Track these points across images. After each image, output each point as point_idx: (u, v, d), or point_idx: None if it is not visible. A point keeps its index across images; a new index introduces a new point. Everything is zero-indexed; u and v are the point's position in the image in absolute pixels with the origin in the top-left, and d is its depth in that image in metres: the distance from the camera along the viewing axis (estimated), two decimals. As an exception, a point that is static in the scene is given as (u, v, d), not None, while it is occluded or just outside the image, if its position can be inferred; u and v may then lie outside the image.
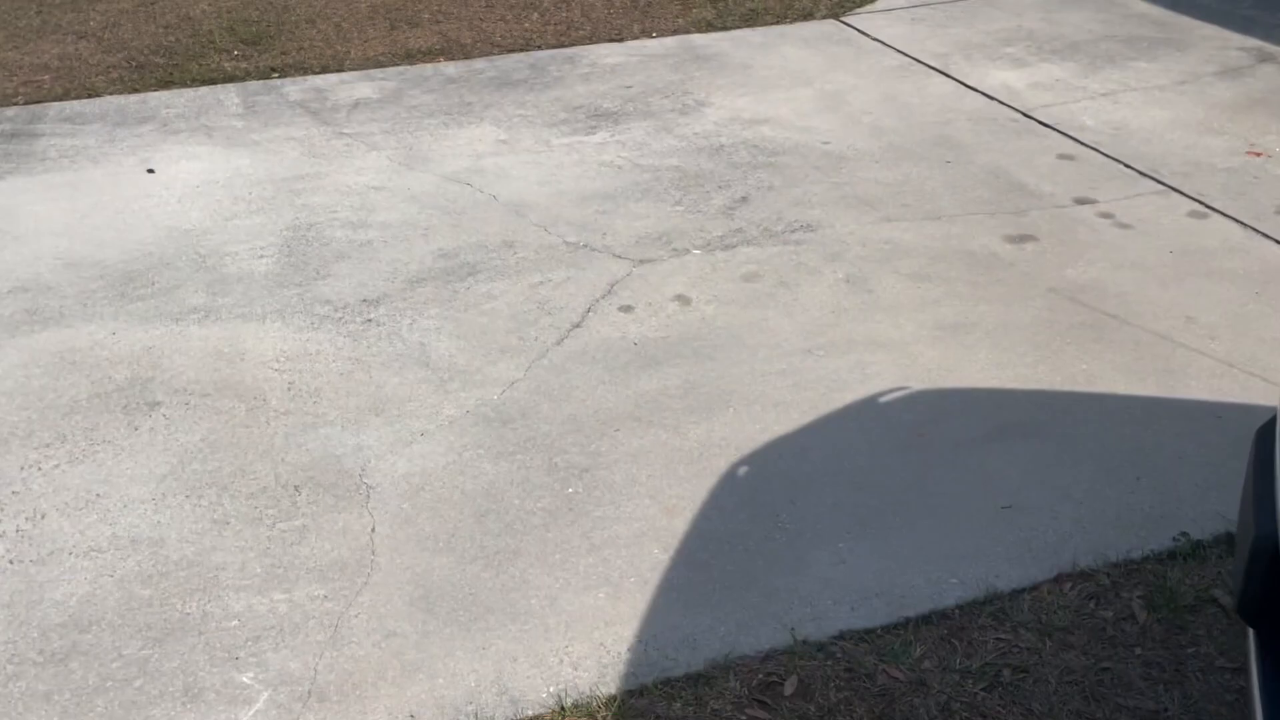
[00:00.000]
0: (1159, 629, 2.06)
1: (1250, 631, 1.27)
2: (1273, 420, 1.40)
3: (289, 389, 2.84)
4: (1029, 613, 2.11)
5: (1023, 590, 2.16)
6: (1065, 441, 2.58)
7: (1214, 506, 2.35)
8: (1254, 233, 3.45)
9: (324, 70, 4.98)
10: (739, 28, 5.45)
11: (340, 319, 3.13)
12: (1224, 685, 1.94)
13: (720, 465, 2.53)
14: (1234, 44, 5.06)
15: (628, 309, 3.15)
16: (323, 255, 3.47)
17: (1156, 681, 1.95)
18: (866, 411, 2.70)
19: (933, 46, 5.12)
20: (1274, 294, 3.12)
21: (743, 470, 2.52)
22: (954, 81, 4.71)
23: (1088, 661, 2.00)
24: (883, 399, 2.74)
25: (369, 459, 2.58)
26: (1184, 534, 2.28)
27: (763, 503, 2.42)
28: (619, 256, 3.43)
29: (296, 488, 2.50)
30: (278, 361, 2.95)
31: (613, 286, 3.27)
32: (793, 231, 3.53)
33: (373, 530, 2.37)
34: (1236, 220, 3.52)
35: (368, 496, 2.47)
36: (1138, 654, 2.01)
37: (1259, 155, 3.97)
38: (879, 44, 5.18)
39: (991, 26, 5.37)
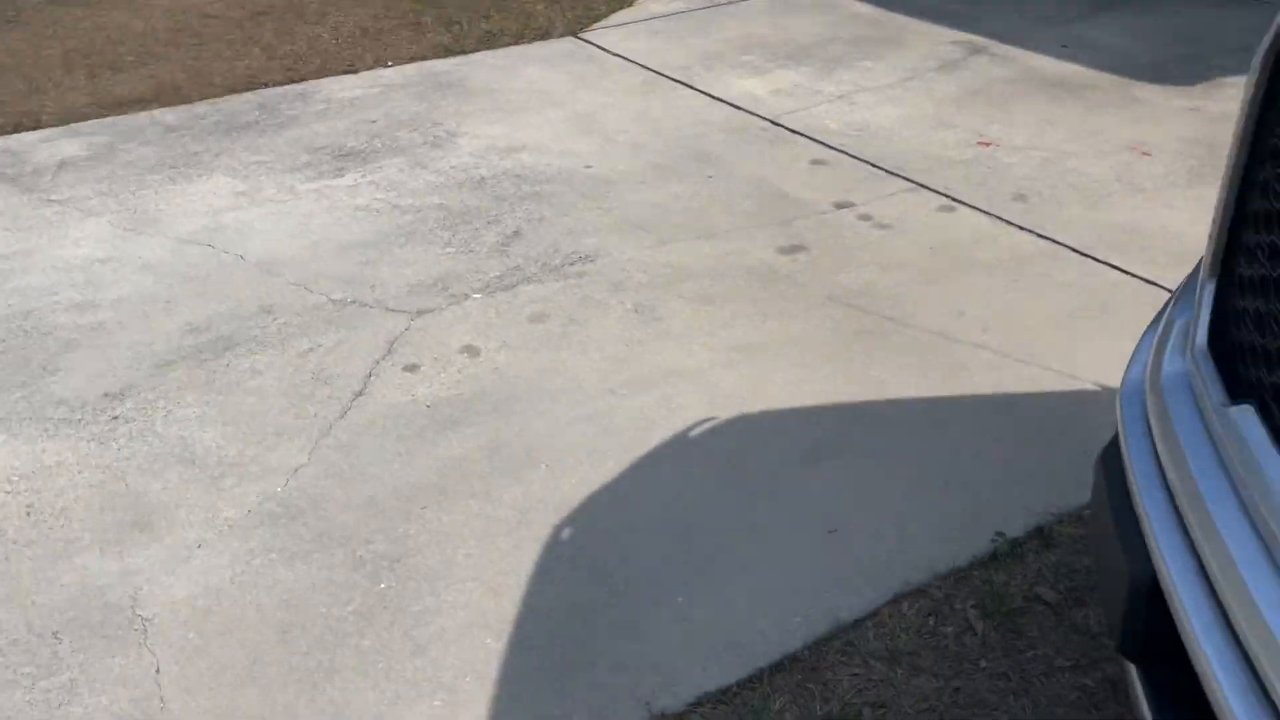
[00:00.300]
0: (996, 637, 2.10)
1: (1132, 668, 1.28)
2: (1115, 443, 1.42)
3: (28, 513, 2.44)
4: (875, 641, 2.10)
5: (865, 618, 2.15)
6: (872, 454, 2.61)
7: (1020, 501, 2.43)
8: (999, 221, 3.66)
9: (16, 129, 4.40)
10: (478, 51, 5.29)
11: (80, 420, 2.74)
12: (1067, 684, 2.00)
13: (542, 530, 2.39)
14: (946, 38, 5.40)
15: (413, 368, 2.94)
16: (47, 346, 3.03)
17: (1006, 693, 1.99)
18: (680, 449, 2.63)
19: (674, 59, 5.16)
20: (1028, 280, 3.31)
21: (566, 532, 2.38)
22: (700, 93, 4.76)
23: (939, 684, 2.01)
24: (693, 433, 2.68)
25: (140, 586, 2.25)
26: (1000, 534, 2.35)
27: (593, 565, 2.29)
28: (393, 310, 3.20)
29: (55, 634, 2.14)
30: (9, 482, 2.54)
31: (392, 344, 3.04)
32: (572, 264, 3.42)
33: (157, 671, 2.06)
34: (982, 211, 3.73)
35: (145, 632, 2.15)
36: (983, 667, 2.04)
37: (988, 145, 4.23)
38: (622, 60, 5.16)
39: (726, 35, 5.48)
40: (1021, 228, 3.61)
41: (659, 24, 5.63)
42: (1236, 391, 1.23)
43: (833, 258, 3.45)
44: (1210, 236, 1.29)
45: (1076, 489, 2.44)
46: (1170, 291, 3.21)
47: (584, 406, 2.78)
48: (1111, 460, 1.40)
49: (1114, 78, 4.84)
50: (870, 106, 4.60)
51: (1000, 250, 3.49)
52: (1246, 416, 1.16)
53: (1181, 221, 3.60)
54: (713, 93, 4.75)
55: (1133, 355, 1.49)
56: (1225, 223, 1.25)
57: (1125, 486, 1.33)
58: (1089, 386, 2.81)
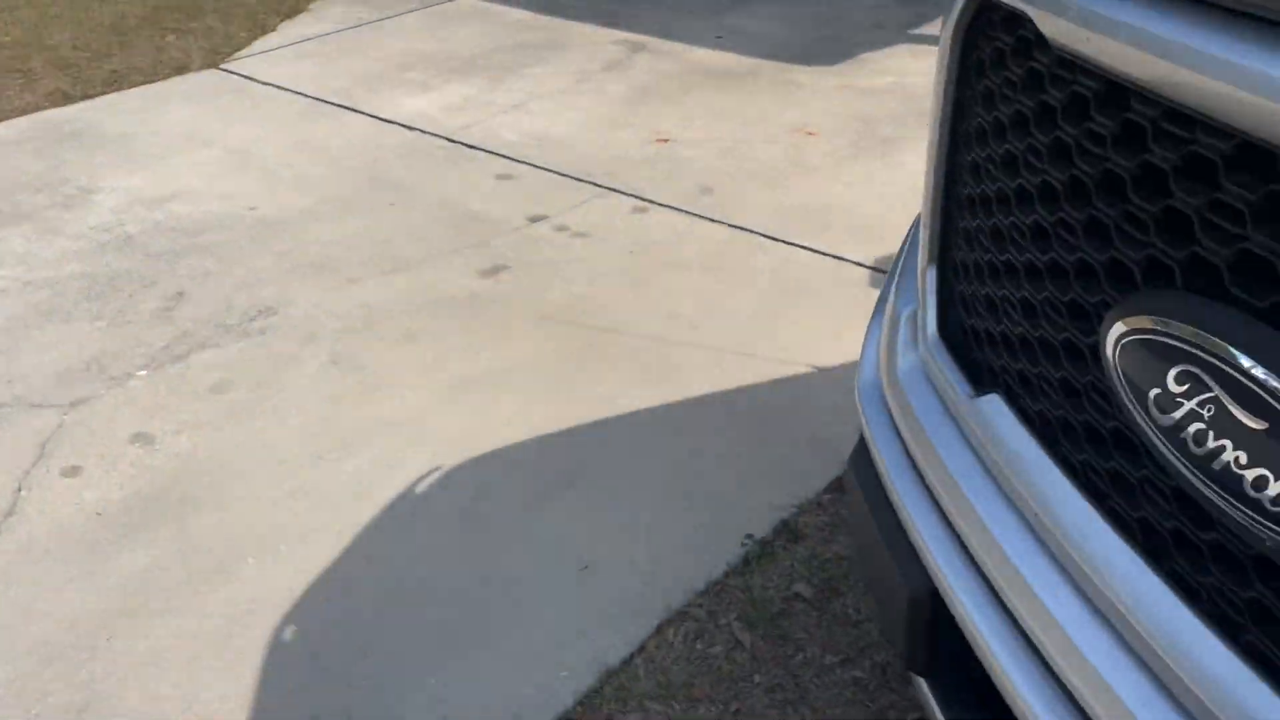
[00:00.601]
0: (765, 647, 2.04)
1: (922, 682, 1.22)
2: (864, 445, 1.36)
3: None
4: (647, 679, 1.98)
5: (633, 655, 2.03)
6: (612, 476, 2.50)
7: (763, 498, 2.40)
8: (691, 216, 3.67)
9: None
10: (105, 94, 4.71)
11: None
12: (840, 680, 1.97)
13: (261, 635, 2.08)
14: (607, 39, 5.42)
15: (74, 471, 2.51)
16: None
17: (785, 704, 1.93)
18: (408, 509, 2.40)
19: (333, 82, 4.83)
20: (728, 272, 3.33)
21: (290, 632, 2.09)
22: (368, 117, 4.48)
23: (719, 709, 1.92)
24: (420, 489, 2.46)
25: None
26: (749, 536, 2.30)
27: (327, 665, 2.02)
28: (39, 405, 2.73)
29: None
30: None
31: (44, 446, 2.58)
32: (252, 320, 3.07)
33: None
34: (673, 208, 3.73)
35: None
36: (758, 682, 1.97)
37: (667, 141, 4.26)
38: (274, 88, 4.77)
39: (385, 52, 5.21)
40: (713, 220, 3.64)
41: (309, 47, 5.27)
42: (978, 379, 1.19)
43: (537, 275, 3.32)
44: (924, 223, 1.25)
45: (813, 475, 2.45)
46: (861, 265, 3.34)
47: (290, 481, 2.47)
48: (863, 465, 1.34)
49: (770, 63, 5.04)
50: (546, 114, 4.51)
51: (697, 245, 3.49)
52: (995, 406, 1.12)
53: (854, 195, 3.77)
54: (381, 115, 4.48)
55: (863, 351, 1.44)
56: (938, 209, 1.21)
57: (883, 492, 1.27)
58: (804, 370, 2.85)
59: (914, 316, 1.31)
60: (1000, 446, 1.09)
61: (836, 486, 2.44)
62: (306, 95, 4.68)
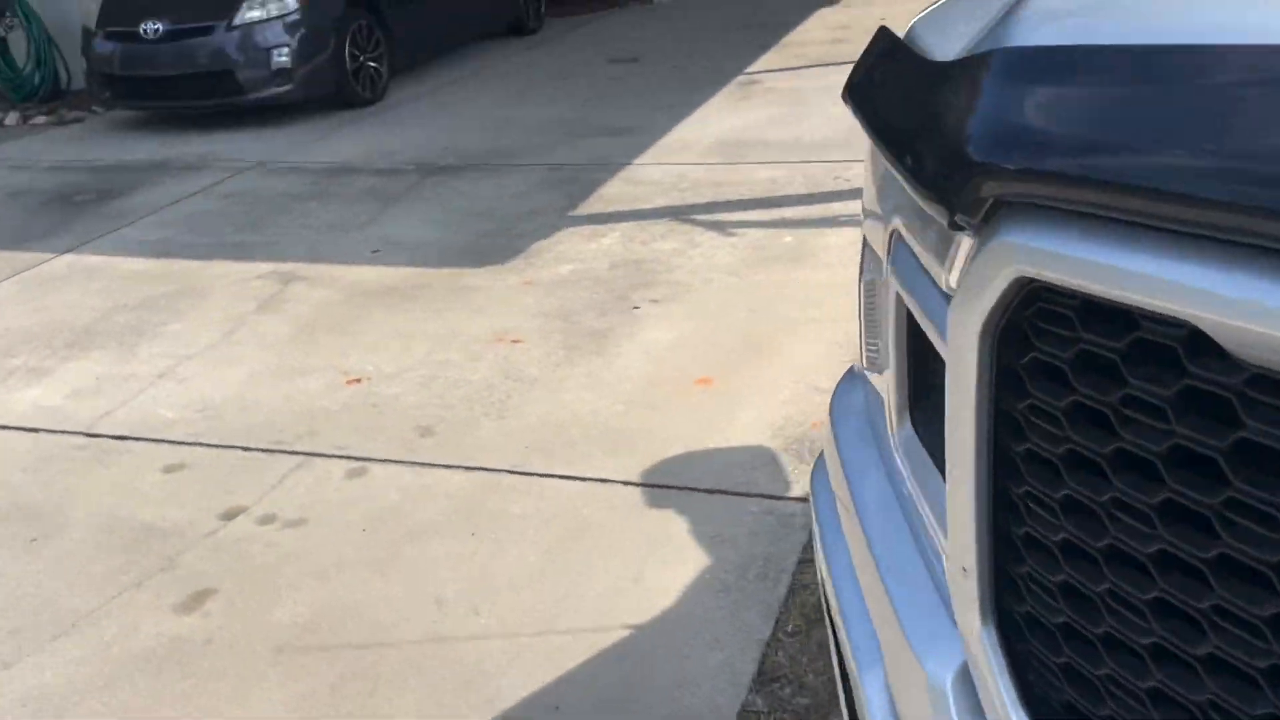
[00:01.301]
0: None
1: None
2: None
3: None
4: None
5: None
6: None
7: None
8: (418, 467, 3.17)
9: None
10: None
11: None
12: None
13: None
14: (250, 273, 4.84)
15: None
16: None
17: None
18: None
19: (-90, 389, 3.86)
20: (487, 528, 2.86)
21: None
22: (-30, 426, 3.58)
23: None
24: None
25: None
26: None
27: None
28: None
29: None
30: None
31: None
32: None
33: None
34: (394, 461, 3.21)
35: None
36: None
37: (358, 381, 3.75)
38: None
39: (-26, 338, 4.29)
40: (446, 466, 3.16)
41: None
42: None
43: (254, 591, 2.66)
44: (965, 571, 0.91)
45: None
46: (627, 483, 2.98)
47: None
48: None
49: (441, 271, 4.70)
50: (204, 376, 3.84)
51: (439, 502, 3.00)
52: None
53: (587, 401, 3.45)
54: (-13, 421, 3.60)
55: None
56: (986, 552, 0.88)
57: None
58: (620, 634, 2.43)
59: (965, 676, 0.95)
60: None
61: (717, 781, 2.02)
62: (-125, 414, 3.68)
